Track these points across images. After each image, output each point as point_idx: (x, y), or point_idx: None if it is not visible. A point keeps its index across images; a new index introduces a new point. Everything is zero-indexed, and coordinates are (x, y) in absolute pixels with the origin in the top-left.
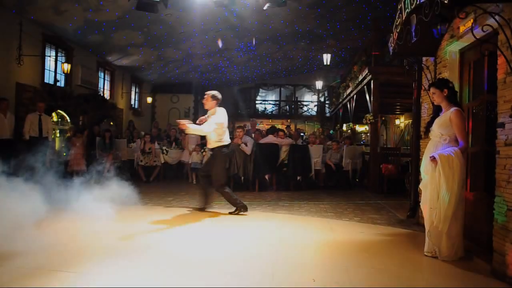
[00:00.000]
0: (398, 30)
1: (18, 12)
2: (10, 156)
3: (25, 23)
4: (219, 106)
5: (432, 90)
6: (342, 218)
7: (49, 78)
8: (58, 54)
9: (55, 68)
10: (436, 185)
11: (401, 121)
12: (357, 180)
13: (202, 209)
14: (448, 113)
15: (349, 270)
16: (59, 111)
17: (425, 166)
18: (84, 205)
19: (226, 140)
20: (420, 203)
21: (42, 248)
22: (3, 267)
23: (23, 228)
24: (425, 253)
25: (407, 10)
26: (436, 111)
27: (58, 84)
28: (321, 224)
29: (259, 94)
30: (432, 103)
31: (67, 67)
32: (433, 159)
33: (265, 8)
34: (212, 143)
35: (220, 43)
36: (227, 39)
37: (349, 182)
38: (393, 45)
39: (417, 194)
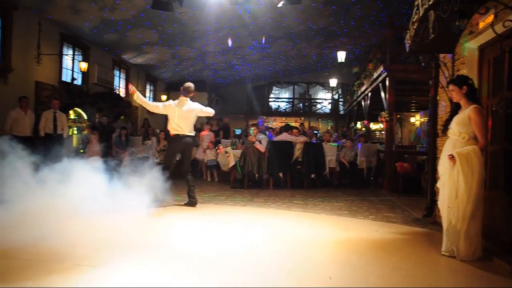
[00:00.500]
0: (415, 27)
1: (37, 12)
2: (31, 153)
3: (43, 23)
4: (192, 99)
5: (450, 87)
6: (357, 216)
7: (66, 77)
8: (75, 53)
9: (72, 66)
10: (455, 183)
11: (417, 119)
12: (371, 178)
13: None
14: (467, 111)
15: (365, 268)
16: (76, 109)
17: (443, 165)
18: (100, 201)
19: (180, 130)
20: (438, 202)
21: (61, 242)
22: (23, 261)
23: (43, 222)
24: (443, 253)
25: (424, 6)
26: (455, 108)
27: (75, 82)
28: (336, 222)
29: (273, 92)
30: (450, 101)
31: (84, 65)
32: (451, 157)
33: (279, 5)
34: (171, 131)
35: (229, 42)
36: (240, 37)
37: (363, 180)
38: (409, 42)
39: (433, 193)
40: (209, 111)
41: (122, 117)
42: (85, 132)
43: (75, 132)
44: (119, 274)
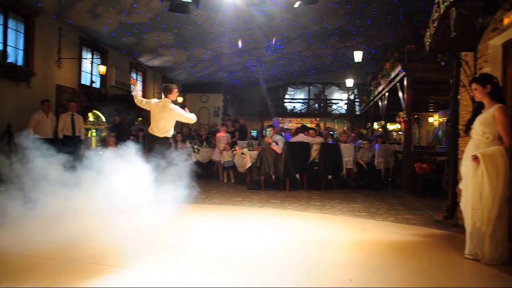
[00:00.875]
0: (435, 25)
1: (58, 17)
2: (56, 154)
3: (63, 28)
4: (170, 101)
5: (473, 86)
6: (376, 218)
7: (85, 80)
8: (94, 57)
9: (91, 70)
10: (479, 185)
11: (435, 119)
12: (389, 179)
13: None
14: (491, 110)
15: (385, 270)
16: (94, 111)
17: (466, 166)
18: (118, 201)
19: (154, 130)
20: (460, 204)
21: (84, 242)
22: (48, 260)
23: (69, 222)
24: (466, 256)
25: (445, 3)
26: (477, 108)
27: (94, 85)
28: (354, 224)
29: (288, 92)
30: (473, 100)
31: (102, 68)
32: (475, 158)
33: (296, 6)
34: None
35: (240, 44)
36: (255, 38)
37: (381, 182)
38: (429, 40)
39: (455, 194)
40: (189, 118)
41: (140, 119)
42: (104, 134)
43: (94, 134)
44: (143, 275)
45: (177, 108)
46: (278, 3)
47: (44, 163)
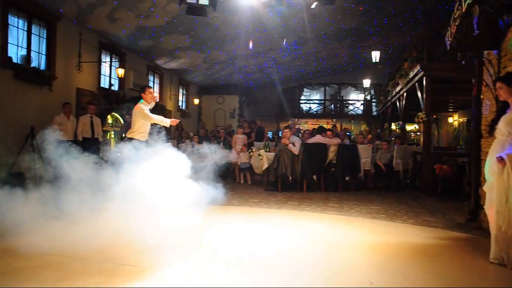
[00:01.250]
0: (457, 23)
1: (78, 22)
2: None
3: (83, 32)
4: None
5: (498, 84)
6: (395, 220)
7: (104, 83)
8: (112, 60)
9: (109, 73)
10: (505, 187)
11: (455, 119)
12: (408, 180)
13: None
14: None
15: (406, 274)
16: (113, 113)
17: (491, 167)
18: (136, 203)
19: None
20: (485, 206)
21: (109, 241)
22: (72, 259)
23: (87, 223)
24: (491, 260)
25: (467, 1)
26: (502, 107)
27: (112, 88)
28: (373, 226)
29: (303, 93)
30: (497, 99)
31: (121, 71)
32: (500, 159)
33: (313, 6)
34: None
35: (251, 45)
36: (271, 39)
37: (399, 183)
38: (450, 39)
39: (477, 196)
40: (152, 118)
41: None
42: (122, 136)
43: (113, 136)
44: (166, 276)
45: (144, 109)
46: (294, 4)
47: (69, 164)
